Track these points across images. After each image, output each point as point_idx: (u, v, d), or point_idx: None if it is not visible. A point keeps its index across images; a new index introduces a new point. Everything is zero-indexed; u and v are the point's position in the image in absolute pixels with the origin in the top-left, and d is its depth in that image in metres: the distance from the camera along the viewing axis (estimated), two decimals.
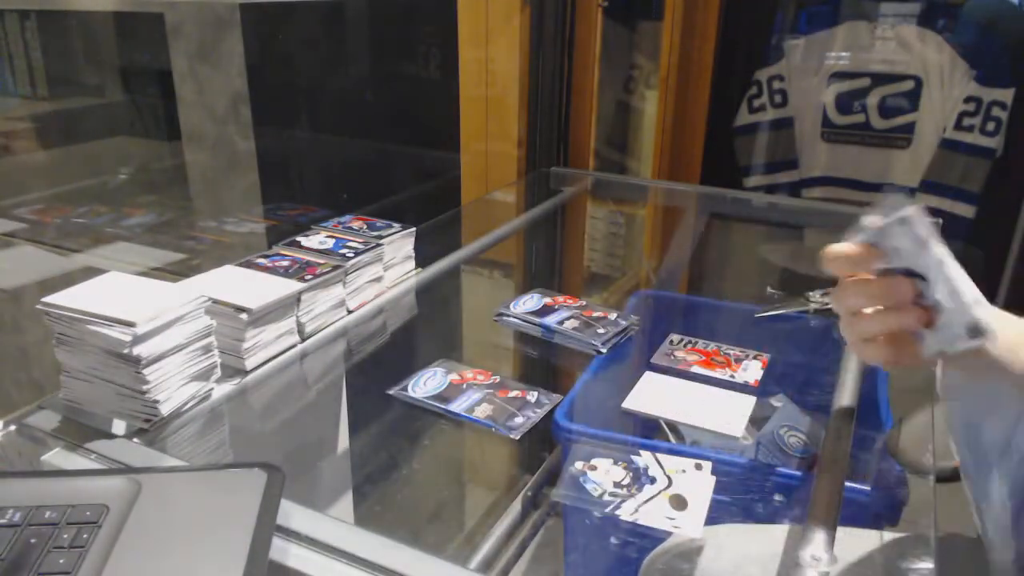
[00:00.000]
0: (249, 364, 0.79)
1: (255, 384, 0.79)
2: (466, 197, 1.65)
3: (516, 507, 0.93)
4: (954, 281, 0.53)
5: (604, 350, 0.93)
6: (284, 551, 0.53)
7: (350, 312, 0.94)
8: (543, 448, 0.99)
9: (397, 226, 1.04)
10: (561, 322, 0.98)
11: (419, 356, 0.93)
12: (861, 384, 0.81)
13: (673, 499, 0.67)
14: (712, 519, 0.65)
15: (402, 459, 1.00)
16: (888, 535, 0.71)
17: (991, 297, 0.54)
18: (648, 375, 0.94)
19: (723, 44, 1.86)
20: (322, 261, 0.92)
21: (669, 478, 0.69)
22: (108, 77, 1.94)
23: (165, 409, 0.68)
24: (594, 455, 0.72)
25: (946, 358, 0.57)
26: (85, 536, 0.49)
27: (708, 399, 0.89)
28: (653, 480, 0.69)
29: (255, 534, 0.49)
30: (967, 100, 1.70)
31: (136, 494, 0.53)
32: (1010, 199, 1.69)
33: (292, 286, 0.84)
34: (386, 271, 1.01)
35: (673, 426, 0.92)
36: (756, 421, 0.90)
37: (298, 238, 1.00)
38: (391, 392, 0.84)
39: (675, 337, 1.04)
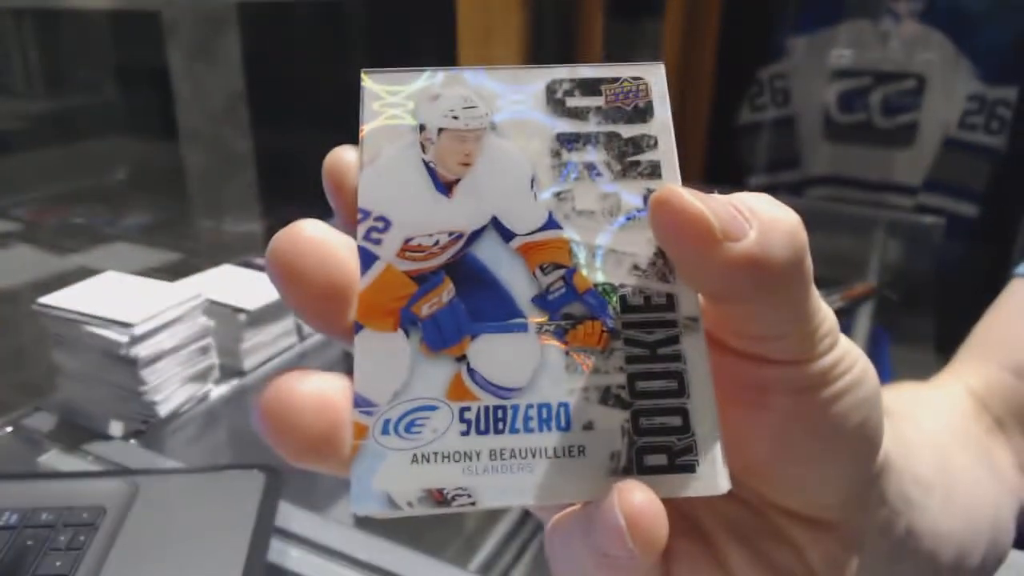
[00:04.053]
0: (247, 365, 0.78)
1: (254, 385, 0.78)
2: None
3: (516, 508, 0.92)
4: None
5: None
6: (283, 553, 0.53)
7: None
8: None
9: None
10: None
11: None
12: None
13: None
14: None
15: None
16: None
17: (993, 298, 0.38)
18: None
19: (724, 43, 1.86)
20: None
21: None
22: (104, 76, 1.93)
23: (163, 410, 0.68)
24: None
25: None
26: (82, 538, 0.48)
27: None
28: None
29: (253, 536, 0.49)
30: (971, 98, 1.70)
31: (133, 496, 0.52)
32: (1014, 198, 1.68)
33: None
34: None
35: None
36: None
37: None
38: None
39: None
